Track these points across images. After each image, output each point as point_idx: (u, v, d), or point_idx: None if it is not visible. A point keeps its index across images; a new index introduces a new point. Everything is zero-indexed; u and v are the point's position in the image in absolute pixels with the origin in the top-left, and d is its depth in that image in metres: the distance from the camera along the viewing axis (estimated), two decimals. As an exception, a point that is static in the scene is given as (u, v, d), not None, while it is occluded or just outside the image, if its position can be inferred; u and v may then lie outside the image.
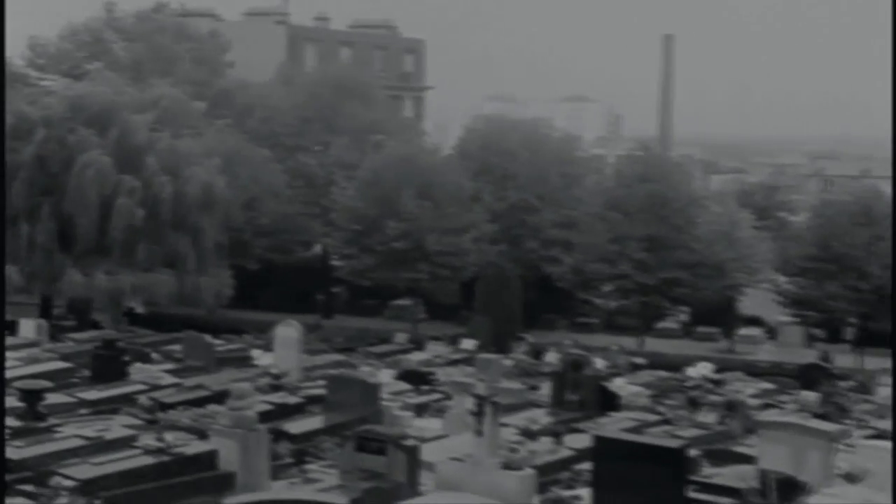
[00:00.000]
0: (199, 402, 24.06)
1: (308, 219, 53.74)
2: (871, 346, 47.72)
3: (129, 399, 24.72)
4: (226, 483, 17.38)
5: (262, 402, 23.89)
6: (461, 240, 49.22)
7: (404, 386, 30.11)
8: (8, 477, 15.42)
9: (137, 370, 28.83)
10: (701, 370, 36.58)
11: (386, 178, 50.09)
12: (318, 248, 56.85)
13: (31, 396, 20.92)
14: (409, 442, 18.21)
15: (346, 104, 56.96)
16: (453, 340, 42.58)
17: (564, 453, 21.26)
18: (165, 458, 17.49)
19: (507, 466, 16.20)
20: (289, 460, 20.29)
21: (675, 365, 39.01)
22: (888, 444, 21.48)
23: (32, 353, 29.71)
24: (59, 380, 25.50)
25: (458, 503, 15.54)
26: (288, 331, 31.46)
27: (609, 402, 27.80)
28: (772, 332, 52.04)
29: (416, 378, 31.72)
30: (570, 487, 18.48)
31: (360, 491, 16.47)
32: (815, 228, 51.50)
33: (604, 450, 17.00)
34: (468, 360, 36.29)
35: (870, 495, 17.31)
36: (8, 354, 27.47)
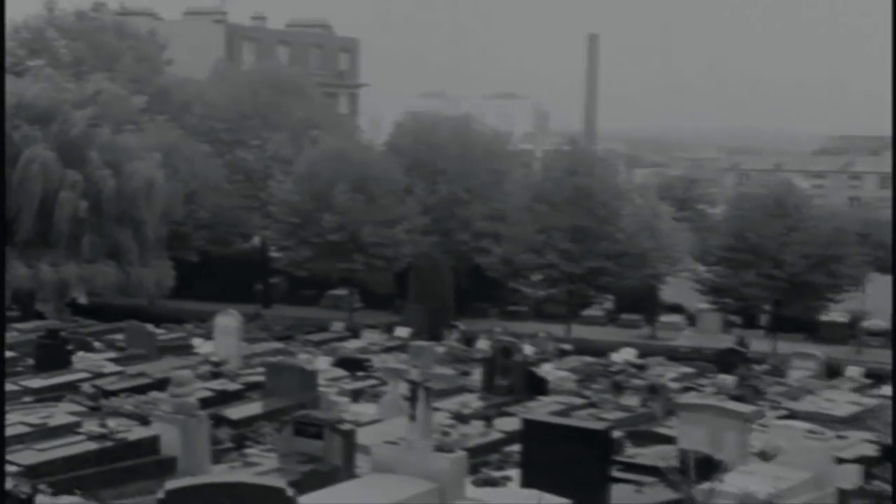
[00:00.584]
0: (141, 390, 23.93)
1: (246, 212, 53.53)
2: (784, 332, 48.30)
3: (72, 387, 24.55)
4: (167, 467, 17.31)
5: (202, 389, 23.80)
6: (394, 232, 49.21)
7: (341, 372, 30.11)
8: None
9: (80, 359, 28.62)
10: (624, 355, 36.82)
11: (322, 172, 49.97)
12: (256, 240, 56.64)
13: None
14: (346, 426, 18.22)
15: (282, 101, 56.76)
16: (388, 328, 42.59)
17: (495, 436, 21.37)
18: (108, 444, 17.39)
19: (440, 449, 16.23)
20: (229, 445, 20.25)
21: (601, 351, 39.22)
22: (799, 424, 21.80)
23: (-24, 343, 29.36)
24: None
25: (393, 485, 15.56)
26: (228, 320, 31.35)
27: (537, 387, 27.94)
28: (691, 319, 52.44)
29: (352, 365, 31.73)
30: (501, 468, 18.58)
31: (298, 474, 16.47)
32: (732, 220, 51.90)
33: (532, 432, 17.09)
34: (402, 348, 36.30)
35: (781, 472, 17.56)
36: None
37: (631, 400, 27.42)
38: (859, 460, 19.06)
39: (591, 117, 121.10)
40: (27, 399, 23.18)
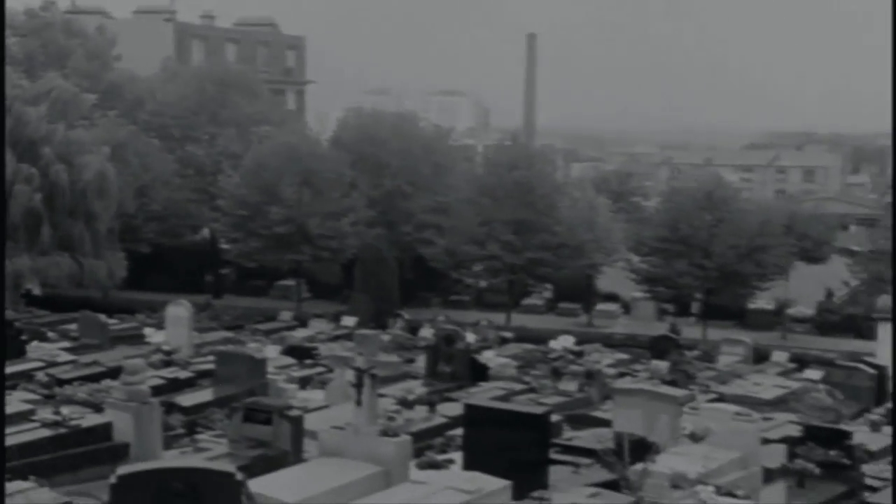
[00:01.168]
0: (95, 378, 23.79)
1: (197, 205, 53.30)
2: (714, 319, 48.75)
3: (26, 376, 24.33)
4: (120, 453, 17.21)
5: (154, 377, 23.69)
6: (340, 224, 49.14)
7: (289, 360, 30.05)
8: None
9: (35, 348, 28.38)
10: (563, 343, 36.92)
11: (270, 166, 49.80)
12: (206, 233, 56.36)
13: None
14: (294, 412, 18.20)
15: (229, 97, 56.51)
16: (335, 318, 42.50)
17: (438, 420, 21.44)
18: (62, 431, 17.25)
19: (385, 433, 16.25)
20: (180, 431, 20.17)
21: (540, 338, 39.33)
22: (728, 407, 22.02)
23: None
24: (-41, 359, 24.97)
25: (340, 468, 15.57)
26: (179, 310, 31.20)
27: (479, 373, 28.01)
28: (626, 307, 52.75)
29: (300, 353, 31.68)
30: (444, 452, 18.63)
31: (247, 458, 16.44)
32: (665, 212, 52.22)
33: (474, 417, 17.16)
34: (349, 336, 36.26)
35: (711, 452, 17.74)
36: None
37: (569, 385, 27.54)
38: (784, 440, 19.30)
39: (530, 114, 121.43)
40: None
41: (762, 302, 51.47)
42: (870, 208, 65.84)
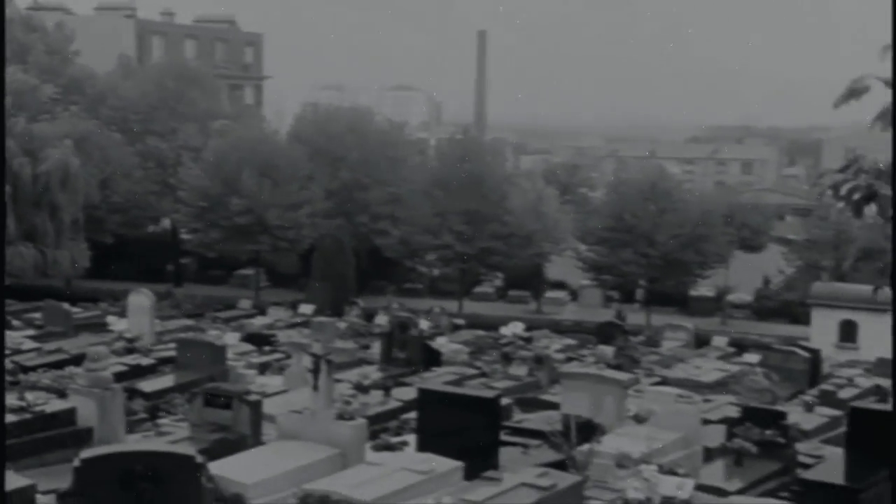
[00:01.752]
0: (59, 365, 23.63)
1: (158, 197, 53.03)
2: (658, 305, 49.07)
3: (-8, 363, 24.10)
4: (84, 438, 17.12)
5: (117, 364, 23.56)
6: (298, 215, 49.04)
7: (248, 347, 29.95)
8: None
9: (0, 337, 28.07)
10: (513, 329, 36.99)
11: (229, 159, 49.60)
12: (167, 223, 56.08)
13: None
14: (253, 397, 18.16)
15: (187, 92, 56.17)
16: (293, 306, 42.39)
17: (393, 404, 21.46)
18: (27, 416, 17.14)
19: (342, 417, 16.27)
20: (143, 416, 20.09)
21: (491, 325, 39.41)
22: (670, 389, 22.21)
23: None
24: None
25: (298, 451, 15.57)
26: (141, 298, 31.02)
27: (432, 359, 28.05)
28: (574, 295, 52.96)
29: (259, 340, 31.59)
30: (398, 434, 18.66)
31: (208, 442, 16.40)
32: (611, 203, 52.44)
33: (428, 401, 17.19)
34: (306, 324, 36.22)
35: (654, 433, 17.88)
36: None
37: (519, 370, 27.61)
38: (723, 421, 19.49)
39: (480, 108, 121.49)
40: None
41: (703, 289, 51.83)
42: (804, 199, 66.42)
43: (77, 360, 23.34)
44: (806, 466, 16.93)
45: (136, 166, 52.45)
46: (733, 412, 20.05)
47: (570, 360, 30.58)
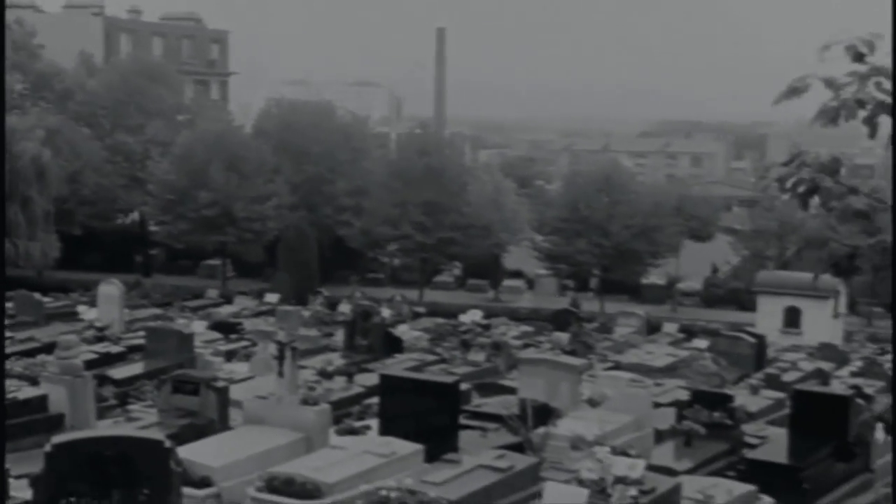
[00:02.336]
0: (30, 353, 23.43)
1: (126, 190, 52.72)
2: (611, 293, 49.34)
3: (-36, 353, 23.89)
4: (55, 423, 17.01)
5: (87, 352, 23.38)
6: (264, 207, 48.90)
7: (215, 335, 29.80)
8: None
9: (-28, 326, 27.81)
10: (472, 316, 37.03)
11: (197, 153, 49.37)
12: (136, 215, 55.75)
13: None
14: (220, 383, 18.09)
15: (153, 88, 55.77)
16: (258, 295, 42.25)
17: (356, 390, 21.41)
18: (0, 403, 17.01)
19: (306, 402, 16.23)
20: (113, 402, 19.96)
21: (451, 312, 39.45)
22: (623, 374, 22.32)
23: None
24: None
25: (264, 435, 15.54)
26: (110, 288, 30.81)
27: (394, 346, 28.02)
28: (530, 283, 53.13)
29: (226, 328, 31.45)
30: (361, 419, 18.64)
31: (176, 427, 16.31)
32: (566, 195, 52.66)
33: (389, 386, 17.19)
34: (271, 312, 36.09)
35: (607, 416, 17.96)
36: None
37: (477, 356, 27.63)
38: (673, 404, 19.60)
39: (440, 104, 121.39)
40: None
41: (654, 277, 52.17)
42: (751, 191, 66.93)
43: (48, 348, 23.20)
44: (751, 447, 17.07)
45: (105, 160, 52.13)
46: (683, 395, 20.18)
47: (526, 346, 30.64)
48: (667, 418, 18.34)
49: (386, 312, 35.06)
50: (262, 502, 13.08)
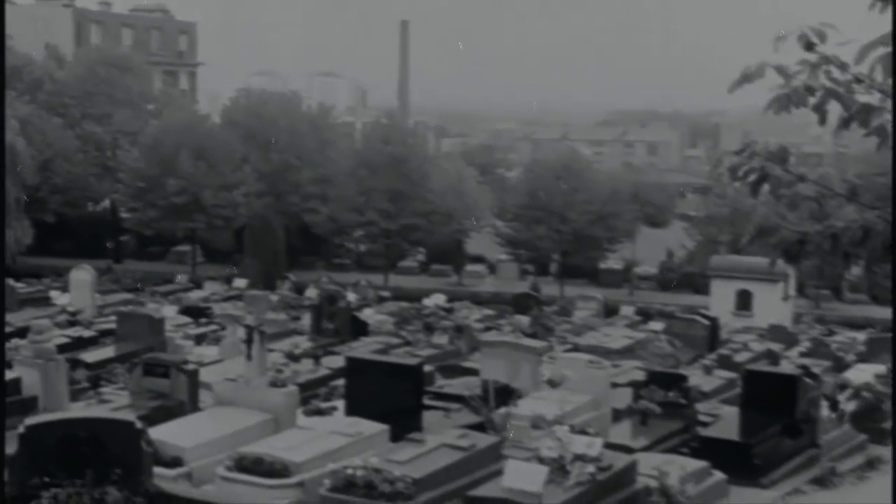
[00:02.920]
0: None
1: (98, 178, 52.29)
2: (570, 278, 49.45)
3: (-62, 337, 23.64)
4: (29, 406, 16.87)
5: (60, 336, 23.23)
6: (232, 195, 48.65)
7: (185, 319, 29.72)
8: None
9: (-55, 312, 27.55)
10: (435, 300, 37.17)
11: (166, 142, 49.03)
12: (107, 203, 55.33)
13: None
14: (190, 366, 18.04)
15: (121, 79, 55.27)
16: (227, 280, 42.12)
17: (322, 372, 21.42)
18: (-27, 387, 16.86)
19: (274, 384, 16.22)
20: (85, 385, 19.86)
21: (415, 297, 39.52)
22: (582, 356, 22.40)
23: None
24: None
25: (233, 416, 15.51)
26: (82, 274, 30.66)
27: (359, 329, 28.05)
28: (492, 268, 53.17)
29: (196, 312, 31.35)
30: (328, 400, 18.65)
31: (147, 409, 16.25)
32: (526, 182, 52.69)
33: (355, 368, 17.20)
34: (240, 297, 36.03)
35: (567, 396, 18.04)
36: None
37: (440, 339, 27.70)
38: (630, 384, 19.72)
39: (404, 94, 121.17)
40: None
41: (612, 262, 52.33)
42: (704, 178, 67.22)
43: (22, 332, 22.98)
44: (704, 425, 17.21)
45: (77, 150, 51.69)
46: (639, 376, 20.31)
47: (488, 329, 30.76)
48: (624, 398, 18.45)
49: (352, 297, 35.13)
50: (232, 481, 13.05)
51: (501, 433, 15.21)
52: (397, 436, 14.24)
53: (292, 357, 22.86)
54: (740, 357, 26.68)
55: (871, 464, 17.01)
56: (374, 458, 12.69)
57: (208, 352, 23.92)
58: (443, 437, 13.83)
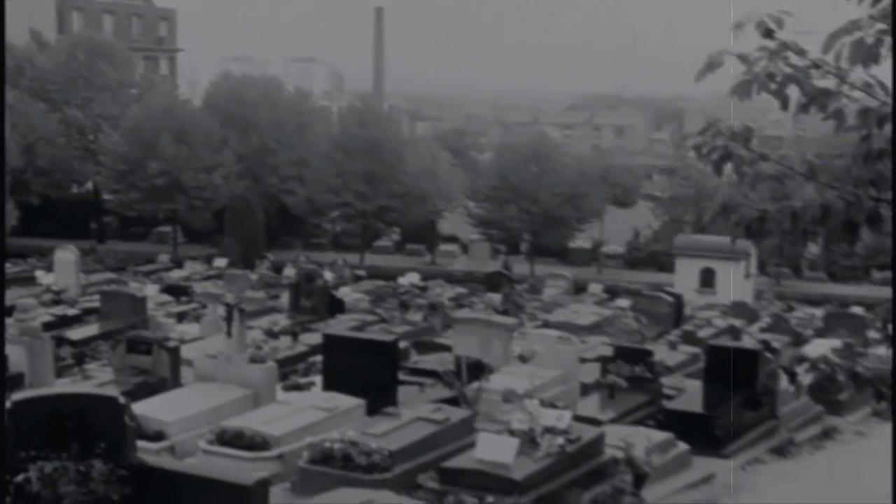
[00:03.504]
0: (-11, 317, 23.08)
1: (80, 161, 51.92)
2: (540, 257, 49.59)
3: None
4: (15, 382, 16.77)
5: (45, 315, 23.17)
6: (212, 177, 48.42)
7: (167, 298, 29.65)
8: None
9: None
10: (410, 279, 37.21)
11: (147, 125, 48.72)
12: (90, 185, 54.97)
13: None
14: (172, 343, 17.99)
15: (99, 64, 54.81)
16: (207, 260, 42.02)
17: (300, 349, 21.41)
18: (-40, 365, 16.76)
19: (254, 360, 16.20)
20: (70, 362, 19.79)
21: (390, 275, 39.54)
22: (551, 332, 22.49)
23: None
24: None
25: (214, 392, 15.48)
26: (66, 254, 30.48)
27: (336, 307, 28.06)
28: (465, 248, 53.25)
29: (177, 291, 31.26)
30: (306, 375, 18.65)
31: (131, 385, 16.21)
32: (497, 164, 52.73)
33: (332, 345, 17.19)
34: (220, 276, 35.95)
35: (537, 371, 18.11)
36: None
37: (415, 316, 27.77)
38: (598, 359, 19.80)
39: (378, 79, 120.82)
40: None
41: (580, 241, 52.49)
42: (669, 160, 67.46)
43: (7, 311, 22.84)
44: (669, 398, 17.31)
45: (59, 133, 51.31)
46: (607, 351, 20.36)
47: (461, 306, 30.85)
48: (592, 373, 18.53)
49: (329, 275, 35.10)
50: (213, 454, 13.05)
51: (474, 407, 15.26)
52: (373, 410, 14.26)
53: (271, 334, 22.84)
54: (703, 333, 26.86)
55: (827, 433, 17.19)
56: (350, 431, 12.71)
57: (189, 329, 23.85)
58: (417, 410, 13.87)
